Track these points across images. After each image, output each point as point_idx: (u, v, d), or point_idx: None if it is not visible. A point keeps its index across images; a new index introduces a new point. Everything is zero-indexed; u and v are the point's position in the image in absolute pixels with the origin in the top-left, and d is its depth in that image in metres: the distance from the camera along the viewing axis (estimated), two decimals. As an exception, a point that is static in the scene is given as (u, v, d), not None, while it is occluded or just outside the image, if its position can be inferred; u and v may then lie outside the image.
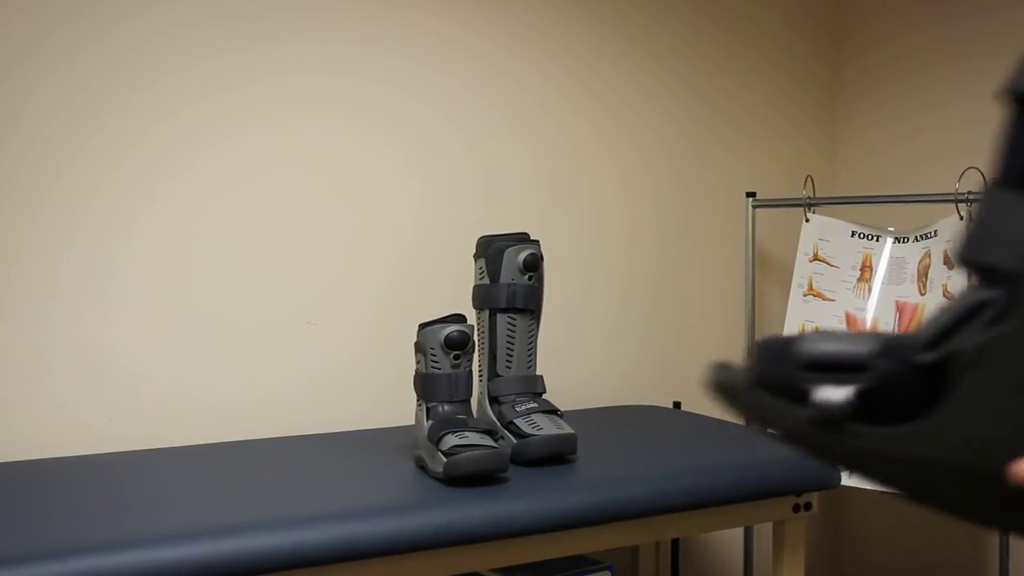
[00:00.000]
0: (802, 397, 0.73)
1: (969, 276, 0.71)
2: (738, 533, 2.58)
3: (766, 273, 2.64)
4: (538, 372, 1.81)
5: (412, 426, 2.07)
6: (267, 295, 2.03)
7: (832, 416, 0.71)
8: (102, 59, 1.87)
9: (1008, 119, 0.70)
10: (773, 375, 0.74)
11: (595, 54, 2.37)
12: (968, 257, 0.70)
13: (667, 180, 2.48)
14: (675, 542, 2.38)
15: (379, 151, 2.13)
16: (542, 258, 1.80)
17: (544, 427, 1.70)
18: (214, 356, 1.98)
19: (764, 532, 2.60)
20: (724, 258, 2.56)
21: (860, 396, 0.70)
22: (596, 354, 2.38)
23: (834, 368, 0.71)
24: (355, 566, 1.41)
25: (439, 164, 2.19)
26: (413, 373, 1.70)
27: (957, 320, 0.68)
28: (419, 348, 1.67)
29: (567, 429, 1.71)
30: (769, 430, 0.75)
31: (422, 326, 1.67)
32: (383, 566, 1.43)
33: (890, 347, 0.70)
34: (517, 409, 1.73)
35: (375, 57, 2.11)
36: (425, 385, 1.65)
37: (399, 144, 2.15)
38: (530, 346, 1.79)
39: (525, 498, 1.52)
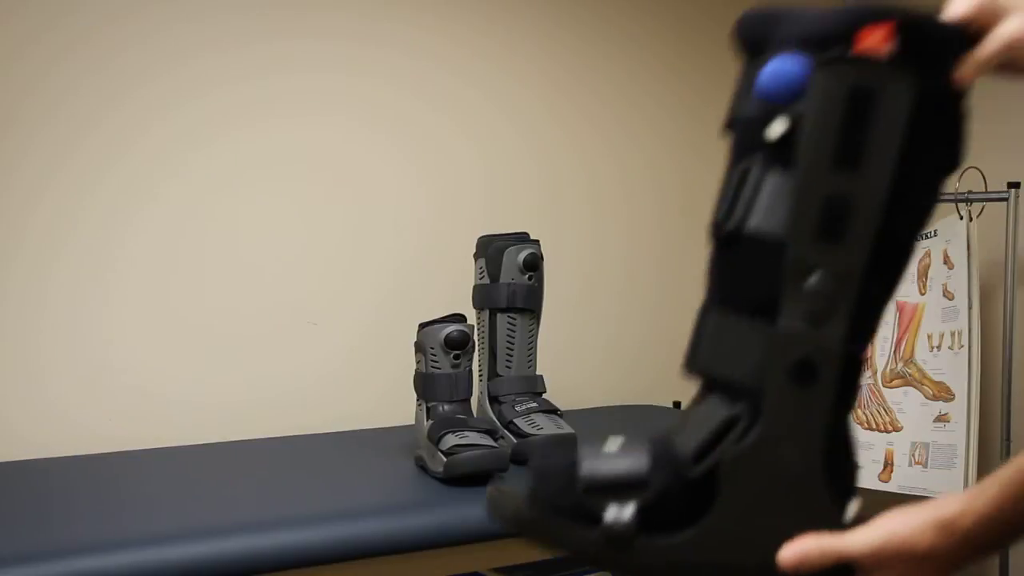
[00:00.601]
0: (587, 517, 0.79)
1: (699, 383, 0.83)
2: (738, 533, 2.58)
3: (766, 273, 2.64)
4: (538, 372, 1.80)
5: (412, 426, 2.07)
6: (267, 295, 2.03)
7: (620, 536, 0.78)
8: (101, 54, 1.87)
9: (711, 252, 0.81)
10: (555, 499, 0.80)
11: (596, 53, 2.37)
12: (699, 369, 0.82)
13: (668, 179, 2.48)
14: (675, 542, 2.37)
15: (380, 150, 2.13)
16: (542, 258, 1.80)
17: (544, 427, 1.70)
18: (214, 356, 1.98)
19: (764, 532, 2.60)
20: (724, 258, 2.56)
21: (641, 511, 0.78)
22: (596, 354, 2.38)
23: (614, 488, 0.79)
24: (355, 565, 1.41)
25: (439, 163, 2.19)
26: (413, 373, 1.70)
27: (716, 435, 0.79)
28: (419, 348, 1.67)
29: (567, 429, 1.71)
30: (558, 551, 0.80)
31: (422, 326, 1.67)
32: (383, 566, 1.43)
33: (661, 462, 0.80)
34: (517, 409, 1.73)
35: (376, 55, 2.11)
36: (425, 385, 1.65)
37: (400, 143, 2.15)
38: (530, 346, 1.79)
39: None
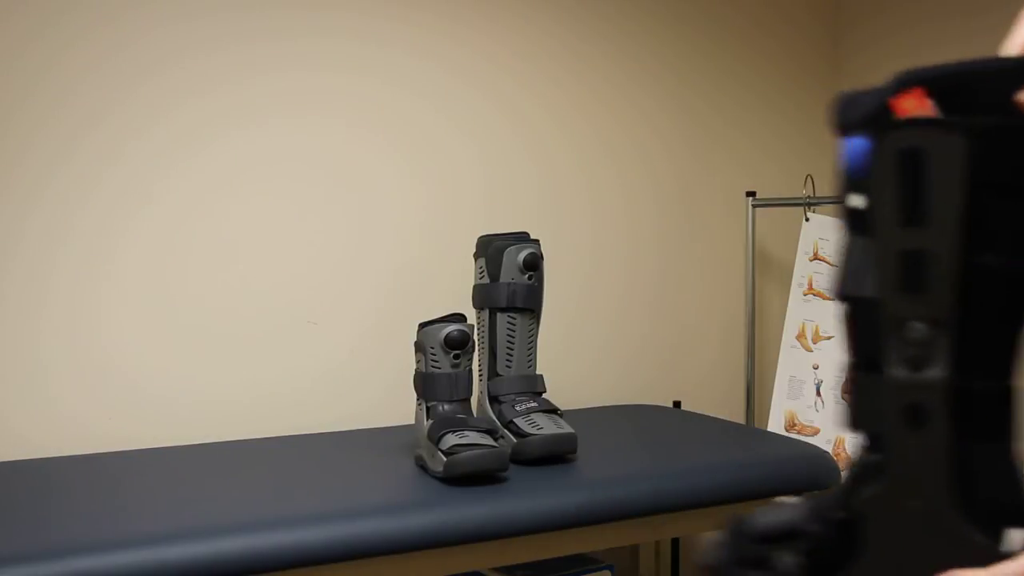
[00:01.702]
0: (759, 565, 0.87)
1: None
2: (738, 533, 2.57)
3: (766, 272, 2.64)
4: (538, 371, 1.80)
5: (412, 425, 2.07)
6: (267, 294, 2.03)
7: None
8: (100, 52, 1.87)
9: (843, 315, 0.89)
10: (737, 550, 0.89)
11: (596, 53, 2.37)
12: (853, 427, 0.89)
13: (667, 179, 2.48)
14: (675, 542, 2.38)
15: (380, 149, 2.13)
16: (542, 257, 1.80)
17: (544, 426, 1.70)
18: (214, 355, 1.98)
19: (764, 532, 2.60)
20: (724, 257, 2.56)
21: (806, 556, 0.85)
22: (596, 354, 2.38)
23: (782, 536, 0.87)
24: (355, 565, 1.41)
25: (440, 163, 2.19)
26: (413, 373, 1.70)
27: (853, 481, 0.85)
28: (419, 347, 1.67)
29: (567, 428, 1.71)
30: None
31: (422, 325, 1.67)
32: (383, 565, 1.43)
33: (815, 510, 0.87)
34: (517, 408, 1.73)
35: (376, 55, 2.11)
36: (425, 384, 1.65)
37: (400, 143, 2.15)
38: (530, 345, 1.79)
39: (525, 497, 1.52)
